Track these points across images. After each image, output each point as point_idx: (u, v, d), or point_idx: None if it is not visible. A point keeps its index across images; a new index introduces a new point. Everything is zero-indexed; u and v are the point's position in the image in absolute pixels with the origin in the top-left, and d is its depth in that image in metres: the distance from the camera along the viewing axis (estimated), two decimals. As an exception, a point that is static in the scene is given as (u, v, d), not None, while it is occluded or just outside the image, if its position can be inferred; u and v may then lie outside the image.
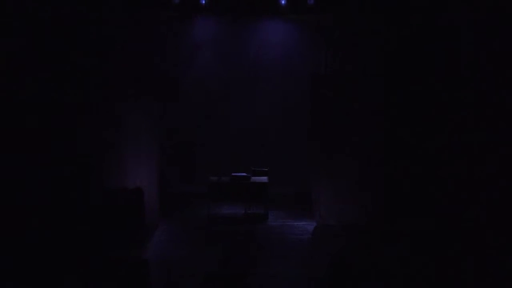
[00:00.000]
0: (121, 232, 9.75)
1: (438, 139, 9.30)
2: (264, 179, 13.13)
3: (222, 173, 13.06)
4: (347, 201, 12.15)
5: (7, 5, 8.08)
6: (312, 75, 12.25)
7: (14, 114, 8.00)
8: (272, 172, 13.57)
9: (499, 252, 7.17)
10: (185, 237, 11.61)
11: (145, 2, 11.64)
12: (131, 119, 11.03)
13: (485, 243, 7.57)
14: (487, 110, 7.99)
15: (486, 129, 7.98)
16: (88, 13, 10.25)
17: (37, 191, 8.65)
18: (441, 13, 9.33)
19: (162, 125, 12.63)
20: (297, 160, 13.80)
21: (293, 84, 13.83)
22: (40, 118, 8.50)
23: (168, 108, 13.33)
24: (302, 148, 13.23)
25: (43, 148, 8.67)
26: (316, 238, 11.91)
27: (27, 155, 8.71)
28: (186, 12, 12.74)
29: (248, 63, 14.08)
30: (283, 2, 12.03)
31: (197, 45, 13.90)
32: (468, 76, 8.52)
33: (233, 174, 12.96)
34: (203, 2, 12.01)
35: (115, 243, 9.49)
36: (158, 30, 12.87)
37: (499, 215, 7.39)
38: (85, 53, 10.37)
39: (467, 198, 8.29)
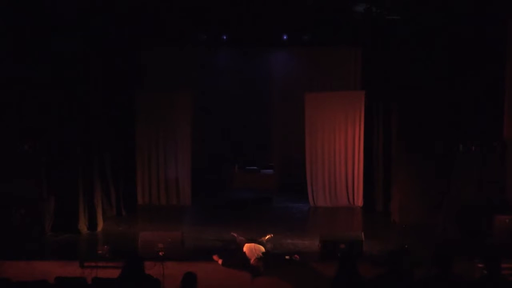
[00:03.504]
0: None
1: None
2: (270, 171, 13.36)
3: (238, 166, 13.22)
4: (337, 189, 12.38)
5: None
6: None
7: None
8: (277, 166, 13.74)
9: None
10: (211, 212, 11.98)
11: (182, 39, 11.96)
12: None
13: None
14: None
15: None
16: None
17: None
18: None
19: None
20: (295, 157, 13.58)
21: (292, 99, 13.58)
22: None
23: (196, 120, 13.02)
24: (298, 147, 13.06)
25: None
26: (309, 215, 12.26)
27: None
28: (212, 46, 12.79)
29: (258, 83, 14.00)
30: (284, 37, 12.17)
31: (220, 70, 13.90)
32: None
33: (247, 167, 13.19)
34: (225, 37, 12.19)
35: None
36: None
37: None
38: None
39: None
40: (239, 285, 7.82)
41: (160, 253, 7.94)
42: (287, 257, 8.40)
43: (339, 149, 12.24)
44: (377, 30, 11.01)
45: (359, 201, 12.29)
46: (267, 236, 9.19)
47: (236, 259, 8.17)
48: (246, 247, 8.29)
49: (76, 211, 10.08)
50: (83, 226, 10.19)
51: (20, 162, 9.52)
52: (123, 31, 10.94)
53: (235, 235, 9.24)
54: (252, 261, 7.99)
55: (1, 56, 9.34)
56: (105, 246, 8.37)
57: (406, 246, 8.19)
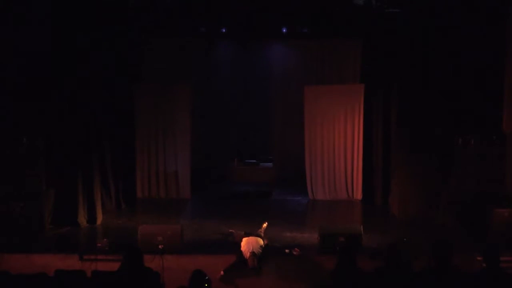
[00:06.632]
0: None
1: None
2: (270, 164, 13.34)
3: (237, 159, 13.22)
4: (336, 183, 12.38)
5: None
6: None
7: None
8: (276, 159, 13.74)
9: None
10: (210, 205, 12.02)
11: (181, 31, 11.96)
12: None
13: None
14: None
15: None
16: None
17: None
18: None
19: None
20: (295, 150, 13.58)
21: (291, 92, 13.60)
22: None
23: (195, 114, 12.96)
24: (298, 140, 13.10)
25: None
26: (308, 208, 12.26)
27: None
28: (211, 38, 12.76)
29: (258, 76, 13.89)
30: (284, 30, 12.15)
31: (219, 63, 13.88)
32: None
33: (246, 160, 13.18)
34: (224, 30, 12.14)
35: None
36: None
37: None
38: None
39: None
40: (239, 278, 7.81)
41: (160, 246, 7.96)
42: (287, 250, 8.39)
43: (338, 142, 12.22)
44: (377, 23, 10.99)
45: (358, 195, 12.28)
46: (264, 225, 9.20)
47: (236, 263, 8.05)
48: (244, 241, 8.25)
49: (76, 204, 10.09)
50: (82, 219, 10.20)
51: (19, 155, 9.50)
52: (121, 23, 10.91)
53: (233, 231, 9.25)
54: (247, 256, 7.96)
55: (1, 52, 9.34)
56: (105, 239, 8.37)
57: (405, 239, 8.20)
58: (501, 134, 9.78)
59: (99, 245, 8.23)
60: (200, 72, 13.59)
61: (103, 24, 10.44)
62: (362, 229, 8.64)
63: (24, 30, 9.38)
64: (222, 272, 7.74)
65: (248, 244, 8.11)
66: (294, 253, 8.32)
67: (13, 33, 9.32)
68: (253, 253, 7.93)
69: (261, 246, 8.19)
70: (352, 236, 8.41)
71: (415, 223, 9.99)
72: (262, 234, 8.80)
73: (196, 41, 12.95)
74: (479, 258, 7.22)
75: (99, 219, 10.48)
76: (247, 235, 8.52)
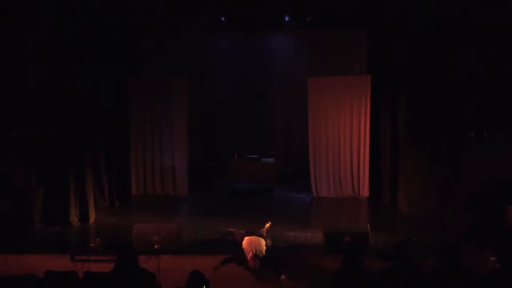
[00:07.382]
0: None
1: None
2: (271, 160, 13.31)
3: (237, 155, 13.20)
4: (341, 179, 12.30)
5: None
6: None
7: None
8: (278, 154, 13.68)
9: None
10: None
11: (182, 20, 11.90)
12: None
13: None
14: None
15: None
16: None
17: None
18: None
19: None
20: (298, 145, 13.58)
21: (294, 84, 13.48)
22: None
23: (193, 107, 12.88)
24: (301, 135, 13.05)
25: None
26: (312, 206, 12.13)
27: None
28: (211, 28, 12.61)
29: (259, 67, 13.75)
30: (286, 19, 12.03)
31: (218, 54, 13.79)
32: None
33: (246, 155, 13.15)
34: (223, 19, 12.04)
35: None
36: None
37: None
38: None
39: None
40: (239, 279, 7.77)
41: (156, 246, 7.90)
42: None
43: (343, 136, 12.15)
44: (383, 12, 10.87)
45: (365, 192, 12.21)
46: (267, 225, 9.14)
47: (234, 257, 7.98)
48: (245, 240, 8.13)
49: (67, 202, 10.01)
50: (74, 218, 10.12)
51: (8, 150, 9.41)
52: (117, 13, 10.82)
53: (233, 230, 9.16)
54: (249, 256, 7.84)
55: None
56: (98, 239, 8.35)
57: (414, 239, 8.13)
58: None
59: (92, 244, 8.20)
60: (199, 64, 13.53)
61: (99, 14, 10.35)
62: (369, 228, 8.57)
63: (23, 29, 9.29)
64: (219, 263, 7.71)
65: (250, 244, 8.00)
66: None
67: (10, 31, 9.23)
68: (255, 255, 7.82)
69: (264, 247, 8.05)
70: (359, 235, 8.35)
71: (425, 222, 9.88)
72: (265, 234, 8.70)
73: (196, 31, 12.87)
74: (492, 259, 7.14)
75: (92, 217, 10.39)
76: (248, 234, 8.43)
